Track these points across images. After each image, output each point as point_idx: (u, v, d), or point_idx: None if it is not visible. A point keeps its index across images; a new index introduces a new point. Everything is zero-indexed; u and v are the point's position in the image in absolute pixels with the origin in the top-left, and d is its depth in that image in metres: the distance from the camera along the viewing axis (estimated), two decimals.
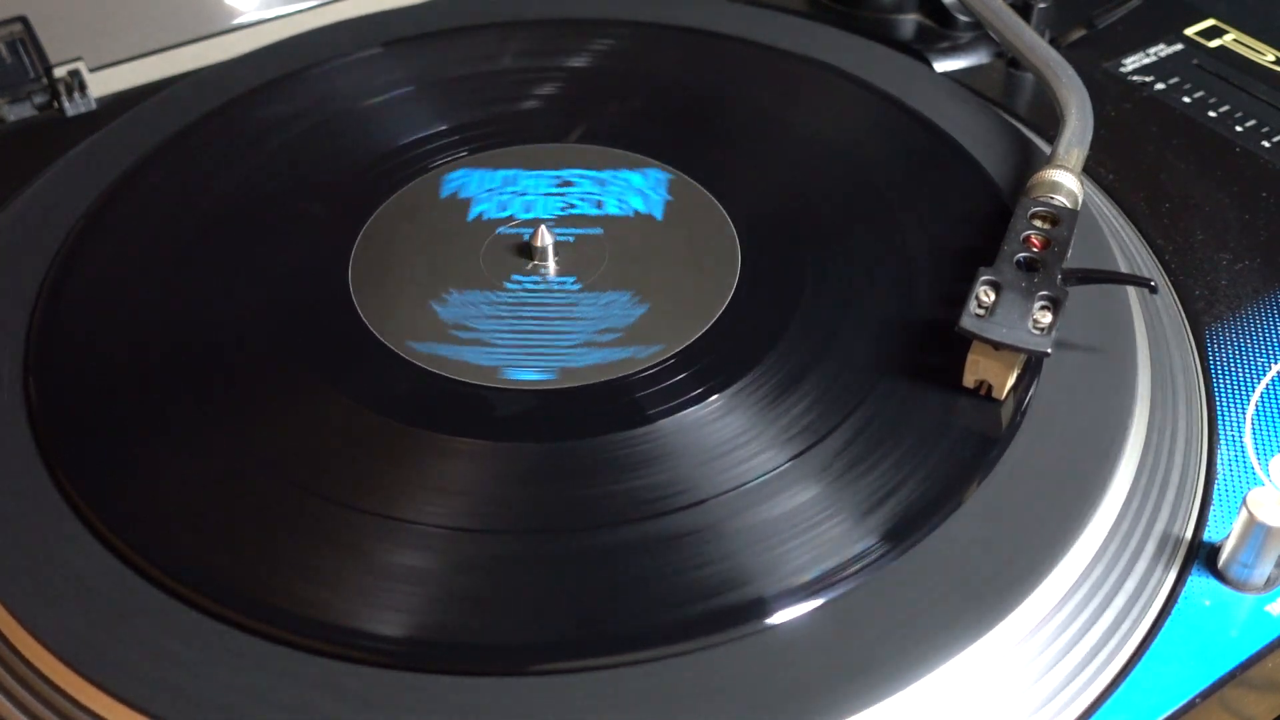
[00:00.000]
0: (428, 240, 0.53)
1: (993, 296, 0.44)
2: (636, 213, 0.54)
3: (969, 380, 0.45)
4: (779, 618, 0.39)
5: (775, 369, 0.47)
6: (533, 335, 0.49)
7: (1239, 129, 0.60)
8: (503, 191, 0.55)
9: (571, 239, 0.53)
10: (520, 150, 0.57)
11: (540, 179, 0.56)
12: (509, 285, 0.51)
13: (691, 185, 0.55)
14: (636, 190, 0.54)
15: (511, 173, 0.56)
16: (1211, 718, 0.40)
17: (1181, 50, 0.66)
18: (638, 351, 0.47)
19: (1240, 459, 0.46)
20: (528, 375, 0.47)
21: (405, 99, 0.61)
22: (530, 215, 0.54)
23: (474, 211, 0.54)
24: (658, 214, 0.54)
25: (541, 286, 0.51)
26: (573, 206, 0.54)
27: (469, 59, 0.63)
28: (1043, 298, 0.44)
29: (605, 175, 0.55)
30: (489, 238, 0.53)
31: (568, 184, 0.55)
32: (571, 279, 0.51)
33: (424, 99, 0.61)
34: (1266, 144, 0.59)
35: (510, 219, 0.54)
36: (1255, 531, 0.40)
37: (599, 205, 0.54)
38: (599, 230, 0.53)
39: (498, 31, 0.65)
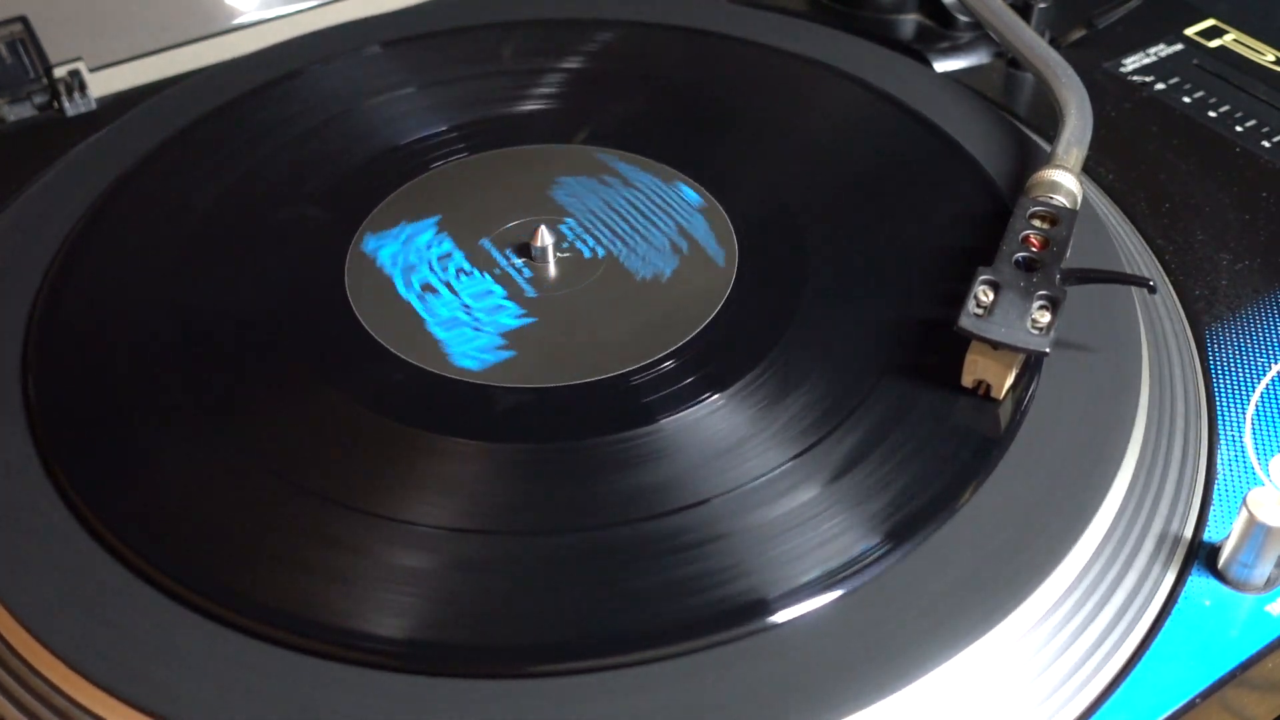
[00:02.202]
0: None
1: (991, 296, 0.44)
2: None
3: (968, 380, 0.45)
4: (780, 617, 0.39)
5: (775, 368, 0.47)
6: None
7: (1239, 129, 0.60)
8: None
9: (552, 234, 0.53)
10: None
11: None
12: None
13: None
14: (415, 241, 0.53)
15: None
16: (1211, 718, 0.40)
17: (1181, 50, 0.66)
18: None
19: (1240, 459, 0.46)
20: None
21: (405, 99, 0.61)
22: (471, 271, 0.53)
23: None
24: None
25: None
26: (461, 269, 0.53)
27: (469, 59, 0.63)
28: (1041, 297, 0.44)
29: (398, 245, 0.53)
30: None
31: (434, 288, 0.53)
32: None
33: (424, 99, 0.61)
34: (1266, 144, 0.59)
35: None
36: (1255, 531, 0.40)
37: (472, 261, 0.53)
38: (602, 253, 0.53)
39: (498, 31, 0.65)
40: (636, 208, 0.54)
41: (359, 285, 0.51)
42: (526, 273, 0.52)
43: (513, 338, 0.49)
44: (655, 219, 0.54)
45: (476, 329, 0.49)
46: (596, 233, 0.53)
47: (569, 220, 0.54)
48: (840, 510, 0.42)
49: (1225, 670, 0.40)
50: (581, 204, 0.55)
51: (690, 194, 0.55)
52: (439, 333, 0.49)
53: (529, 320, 0.49)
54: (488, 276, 0.51)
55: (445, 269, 0.51)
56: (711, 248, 0.52)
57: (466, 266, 0.52)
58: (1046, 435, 0.44)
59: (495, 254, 0.52)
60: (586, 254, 0.52)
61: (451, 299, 0.50)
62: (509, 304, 0.50)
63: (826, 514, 0.41)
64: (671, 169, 0.56)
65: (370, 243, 0.52)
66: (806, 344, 0.47)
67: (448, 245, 0.52)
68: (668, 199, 0.55)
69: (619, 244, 0.53)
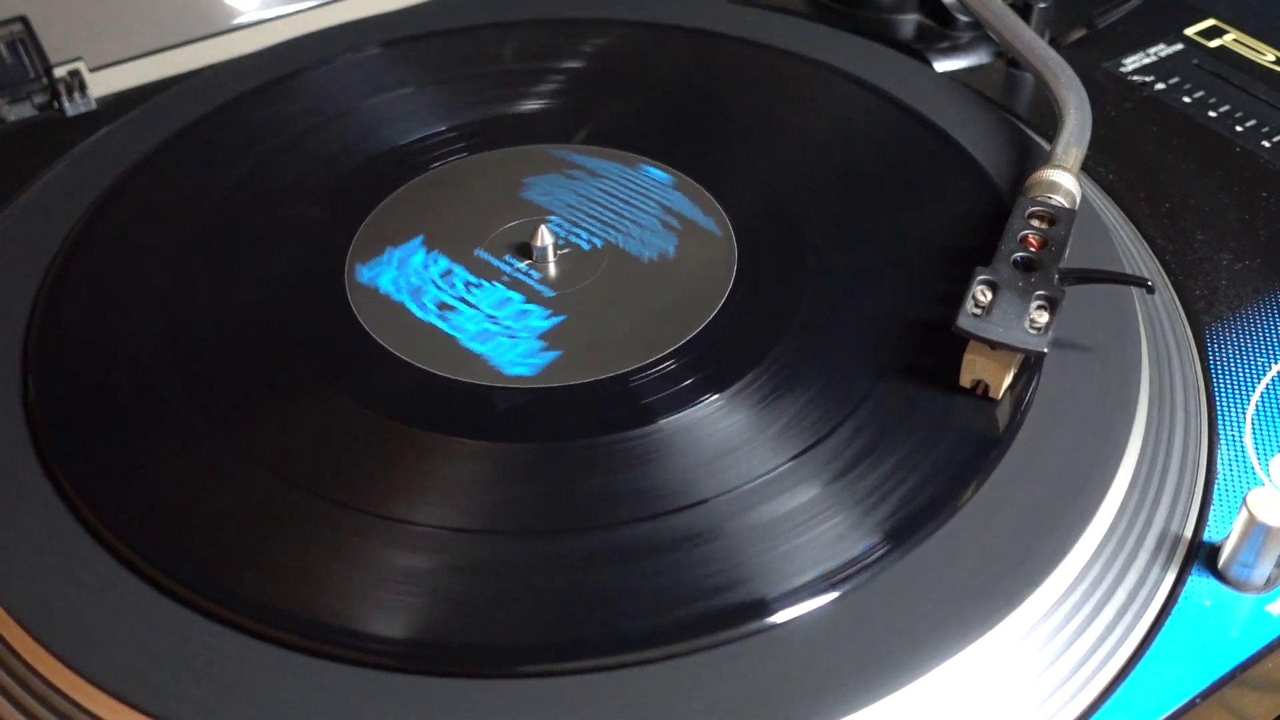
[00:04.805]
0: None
1: (989, 296, 0.44)
2: (424, 244, 0.53)
3: (965, 380, 0.45)
4: (779, 618, 0.39)
5: (775, 368, 0.47)
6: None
7: (1239, 129, 0.60)
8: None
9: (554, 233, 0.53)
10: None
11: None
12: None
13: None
14: (405, 262, 0.52)
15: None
16: (1211, 718, 0.40)
17: (1181, 50, 0.66)
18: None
19: (1240, 459, 0.46)
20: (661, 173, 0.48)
21: (405, 99, 0.61)
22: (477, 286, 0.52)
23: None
24: (419, 250, 0.53)
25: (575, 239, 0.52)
26: (464, 283, 0.52)
27: (469, 59, 0.63)
28: (1040, 297, 0.44)
29: (385, 273, 0.52)
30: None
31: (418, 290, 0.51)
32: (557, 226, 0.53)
33: (424, 99, 0.61)
34: (1266, 144, 0.59)
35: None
36: (1255, 531, 0.40)
37: (449, 273, 0.52)
38: (483, 251, 0.53)
39: (498, 31, 0.65)
40: (613, 195, 0.54)
41: (359, 286, 0.51)
42: (534, 274, 0.51)
43: (551, 338, 0.49)
44: (635, 203, 0.54)
45: (512, 336, 0.49)
46: (586, 225, 0.53)
47: (552, 218, 0.54)
48: (839, 510, 0.42)
49: (1225, 670, 0.40)
50: (557, 200, 0.55)
51: (658, 174, 0.54)
52: (477, 347, 0.48)
53: (559, 318, 0.49)
54: (499, 285, 0.51)
55: (453, 285, 0.51)
56: (701, 220, 0.52)
57: (473, 279, 0.51)
58: (1046, 435, 0.44)
59: (495, 262, 0.52)
60: (585, 247, 0.52)
61: (473, 313, 0.50)
62: (532, 307, 0.50)
63: (826, 514, 0.41)
64: (637, 155, 0.57)
65: (364, 273, 0.51)
66: (806, 344, 0.47)
67: (444, 262, 0.52)
68: (636, 183, 0.55)
69: (612, 232, 0.53)
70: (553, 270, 0.52)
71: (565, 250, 0.52)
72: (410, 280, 0.51)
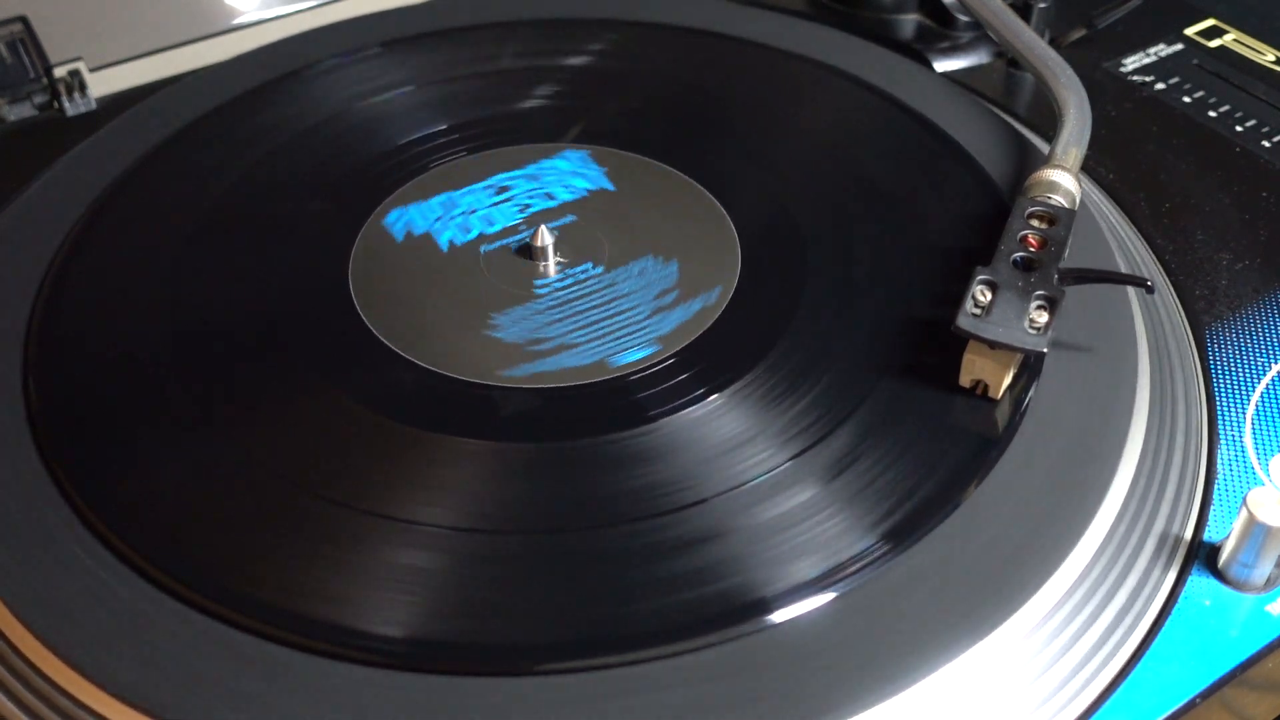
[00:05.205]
0: (424, 280, 0.51)
1: (989, 296, 0.44)
2: (589, 191, 0.55)
3: (965, 380, 0.45)
4: (778, 617, 0.39)
5: (775, 369, 0.47)
6: (603, 322, 0.49)
7: (1239, 129, 0.60)
8: (451, 216, 0.54)
9: (556, 232, 0.52)
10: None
11: (477, 194, 0.55)
12: (540, 290, 0.51)
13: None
14: (570, 174, 0.56)
15: (445, 197, 0.55)
16: (1211, 718, 0.40)
17: (1181, 50, 0.66)
18: (705, 299, 0.49)
19: (1240, 459, 0.46)
20: (634, 355, 0.47)
21: (405, 99, 0.61)
22: (497, 227, 0.53)
23: (442, 242, 0.53)
24: (608, 185, 0.56)
25: (570, 280, 0.51)
26: (529, 206, 0.54)
27: (469, 59, 0.63)
28: (1039, 297, 0.44)
29: (532, 169, 0.56)
30: (479, 259, 0.52)
31: (505, 189, 0.55)
32: (589, 264, 0.52)
33: (424, 99, 0.61)
34: (1266, 144, 0.59)
35: (483, 236, 0.53)
36: (1255, 531, 0.40)
37: (550, 197, 0.55)
38: (573, 217, 0.54)
39: (497, 31, 0.65)
40: (627, 310, 0.50)
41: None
42: (515, 240, 0.53)
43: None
44: (619, 322, 0.50)
45: (456, 225, 0.53)
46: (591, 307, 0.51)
47: (598, 267, 0.52)
48: (839, 510, 0.42)
49: (1225, 670, 0.40)
50: (636, 284, 0.51)
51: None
52: (446, 201, 0.54)
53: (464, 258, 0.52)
54: (514, 210, 0.54)
55: (531, 185, 0.55)
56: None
57: (533, 205, 0.54)
58: (1046, 435, 0.44)
59: (548, 211, 0.54)
60: (564, 266, 0.52)
61: (491, 207, 0.54)
62: (475, 229, 0.53)
63: (825, 514, 0.41)
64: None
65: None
66: (806, 344, 0.48)
67: (557, 184, 0.55)
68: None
69: (575, 314, 0.50)
70: (546, 267, 0.52)
71: (563, 260, 0.52)
72: (550, 177, 0.56)
